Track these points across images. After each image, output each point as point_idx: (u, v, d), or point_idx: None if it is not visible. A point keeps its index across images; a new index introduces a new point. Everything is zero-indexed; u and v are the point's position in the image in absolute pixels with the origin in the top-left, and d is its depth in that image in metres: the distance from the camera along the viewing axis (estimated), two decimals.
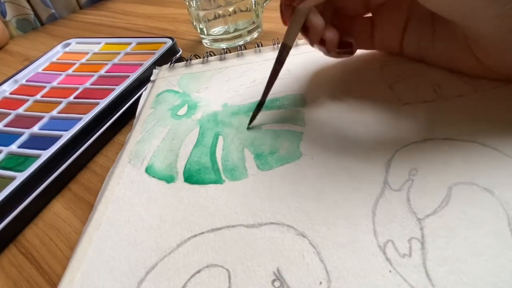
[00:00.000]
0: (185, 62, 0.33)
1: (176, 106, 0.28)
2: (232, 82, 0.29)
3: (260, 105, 0.24)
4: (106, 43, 0.41)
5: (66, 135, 0.27)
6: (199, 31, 0.38)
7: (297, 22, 0.21)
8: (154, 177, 0.22)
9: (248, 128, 0.24)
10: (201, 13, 0.36)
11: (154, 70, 0.34)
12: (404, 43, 0.24)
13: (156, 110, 0.28)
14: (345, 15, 0.25)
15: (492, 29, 0.18)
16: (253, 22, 0.38)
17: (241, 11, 0.36)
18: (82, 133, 0.27)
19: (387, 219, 0.16)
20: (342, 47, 0.24)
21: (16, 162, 0.26)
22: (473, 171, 0.17)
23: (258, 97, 0.25)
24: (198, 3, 0.35)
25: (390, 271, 0.14)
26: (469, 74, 0.22)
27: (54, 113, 0.30)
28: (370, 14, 0.25)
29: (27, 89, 0.35)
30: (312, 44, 0.23)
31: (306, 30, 0.23)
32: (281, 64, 0.23)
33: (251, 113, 0.24)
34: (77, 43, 0.43)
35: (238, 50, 0.33)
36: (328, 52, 0.24)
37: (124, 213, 0.20)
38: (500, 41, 0.19)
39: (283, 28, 0.26)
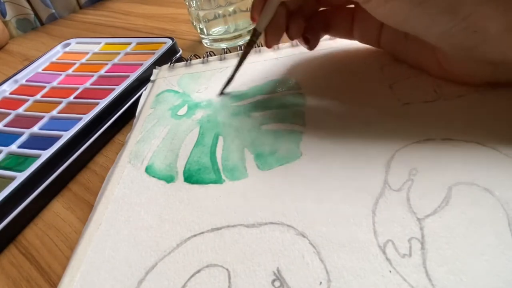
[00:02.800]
0: (185, 62, 0.33)
1: (176, 106, 0.28)
2: (232, 82, 0.29)
3: (229, 81, 0.27)
4: (106, 43, 0.41)
5: (66, 135, 0.27)
6: (199, 31, 0.38)
7: (269, 12, 0.24)
8: (154, 177, 0.22)
9: (219, 95, 0.28)
10: (201, 13, 0.36)
11: (154, 70, 0.33)
12: (381, 39, 0.25)
13: (156, 110, 0.28)
14: (328, 3, 0.26)
15: (442, 43, 0.20)
16: None
17: (241, 11, 0.36)
18: (82, 133, 0.27)
19: (387, 219, 0.16)
20: (306, 40, 0.26)
21: (16, 162, 0.26)
22: (473, 171, 0.17)
23: (258, 97, 0.25)
24: (198, 3, 0.35)
25: (390, 271, 0.14)
26: (434, 76, 0.23)
27: (54, 113, 0.30)
28: (352, 6, 0.26)
29: (27, 89, 0.35)
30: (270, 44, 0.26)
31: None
32: (251, 47, 0.26)
33: (251, 113, 0.25)
34: (77, 43, 0.43)
35: (238, 50, 0.33)
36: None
37: (124, 213, 0.20)
38: (454, 54, 0.20)
39: None
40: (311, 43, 0.26)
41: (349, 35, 0.27)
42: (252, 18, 0.24)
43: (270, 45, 0.26)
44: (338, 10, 0.26)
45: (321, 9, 0.27)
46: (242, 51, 0.27)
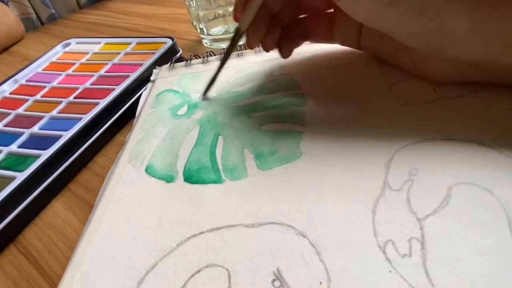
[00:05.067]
0: (185, 62, 0.33)
1: (176, 106, 0.28)
2: (232, 82, 0.29)
3: (210, 84, 0.27)
4: (106, 43, 0.41)
5: (66, 135, 0.27)
6: (199, 31, 0.38)
7: (251, 12, 0.23)
8: (154, 177, 0.22)
9: (202, 99, 0.28)
10: (201, 13, 0.36)
11: (154, 70, 0.33)
12: (361, 40, 0.25)
13: (156, 110, 0.28)
14: (308, 9, 0.26)
15: (412, 43, 0.20)
16: None
17: None
18: (82, 133, 0.27)
19: (387, 219, 0.16)
20: (279, 49, 0.26)
21: (16, 162, 0.26)
22: (473, 171, 0.17)
23: (258, 97, 0.25)
24: (198, 3, 0.35)
25: (390, 271, 0.14)
26: (410, 75, 0.24)
27: (54, 113, 0.30)
28: (331, 10, 0.26)
29: (27, 89, 0.35)
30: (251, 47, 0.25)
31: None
32: (233, 46, 0.26)
33: (251, 114, 0.25)
34: (77, 43, 0.43)
35: (238, 50, 0.33)
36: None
37: (124, 213, 0.20)
38: (424, 53, 0.21)
39: None
40: (283, 52, 0.26)
41: (329, 39, 0.27)
42: (235, 18, 0.24)
43: (252, 46, 0.25)
44: (317, 15, 0.26)
45: (300, 16, 0.27)
46: (224, 53, 0.27)
